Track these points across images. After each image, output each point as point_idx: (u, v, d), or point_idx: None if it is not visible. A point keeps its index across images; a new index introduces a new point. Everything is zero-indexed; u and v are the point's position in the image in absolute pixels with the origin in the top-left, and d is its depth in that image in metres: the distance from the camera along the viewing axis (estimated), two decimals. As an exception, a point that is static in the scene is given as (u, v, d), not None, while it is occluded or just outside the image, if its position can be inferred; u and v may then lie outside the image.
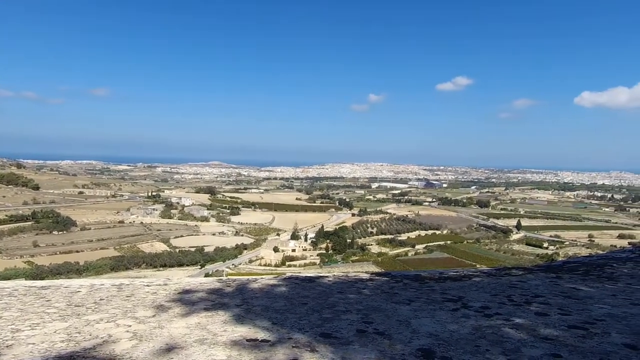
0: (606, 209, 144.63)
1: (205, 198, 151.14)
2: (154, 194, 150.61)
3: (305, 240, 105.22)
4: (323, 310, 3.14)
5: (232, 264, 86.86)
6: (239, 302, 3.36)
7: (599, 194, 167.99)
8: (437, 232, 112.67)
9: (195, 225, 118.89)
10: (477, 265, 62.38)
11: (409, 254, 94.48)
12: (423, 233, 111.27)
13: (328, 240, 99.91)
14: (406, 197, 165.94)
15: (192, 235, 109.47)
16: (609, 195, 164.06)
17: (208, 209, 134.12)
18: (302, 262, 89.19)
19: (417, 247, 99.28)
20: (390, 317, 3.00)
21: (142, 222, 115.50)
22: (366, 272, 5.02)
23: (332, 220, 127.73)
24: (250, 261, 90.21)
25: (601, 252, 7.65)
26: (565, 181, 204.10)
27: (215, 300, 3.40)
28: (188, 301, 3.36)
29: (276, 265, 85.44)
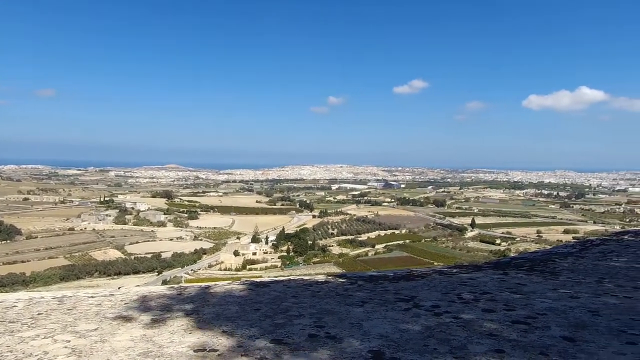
0: (552, 206, 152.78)
1: (161, 202, 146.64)
2: (106, 199, 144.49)
3: (266, 243, 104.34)
4: (276, 315, 3.10)
5: (191, 270, 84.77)
6: (190, 310, 3.26)
7: (546, 192, 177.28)
8: (396, 231, 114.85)
9: (152, 230, 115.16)
10: (435, 263, 64.18)
11: (370, 254, 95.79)
12: (383, 233, 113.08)
13: (289, 243, 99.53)
14: (366, 198, 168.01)
15: (148, 241, 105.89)
16: (555, 193, 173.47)
17: (165, 214, 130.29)
18: (264, 265, 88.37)
19: (377, 246, 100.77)
20: (343, 319, 3.00)
21: (94, 229, 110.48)
22: (322, 275, 5.01)
23: (293, 222, 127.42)
24: (210, 266, 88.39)
25: (548, 247, 8.06)
26: (515, 180, 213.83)
27: (164, 310, 3.28)
28: (135, 312, 3.23)
29: (237, 269, 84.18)
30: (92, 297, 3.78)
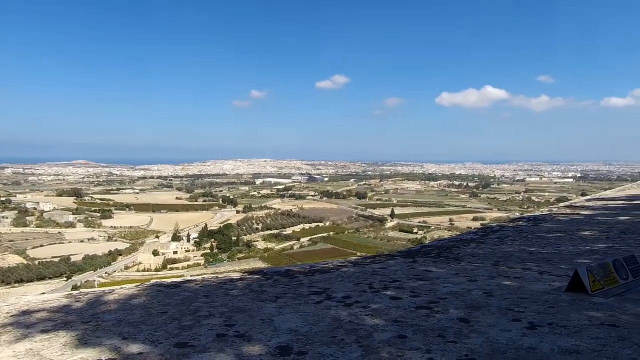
0: (462, 196, 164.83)
1: (70, 201, 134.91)
2: (2, 199, 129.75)
3: (188, 240, 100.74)
4: (184, 317, 2.97)
5: (106, 272, 79.48)
6: (88, 318, 3.01)
7: (457, 183, 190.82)
8: (321, 224, 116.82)
9: (59, 232, 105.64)
10: (358, 253, 66.37)
11: (295, 248, 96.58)
12: (307, 226, 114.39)
13: (212, 239, 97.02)
14: (290, 192, 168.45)
15: (55, 243, 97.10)
16: (465, 184, 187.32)
17: (74, 214, 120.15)
18: (186, 263, 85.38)
19: (302, 240, 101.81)
20: (254, 316, 2.96)
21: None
22: (238, 271, 4.93)
23: (216, 219, 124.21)
24: (127, 267, 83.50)
25: (458, 234, 8.66)
26: (430, 172, 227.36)
27: (57, 320, 2.99)
28: (22, 324, 2.91)
29: (156, 270, 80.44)
30: (-29, 311, 3.35)
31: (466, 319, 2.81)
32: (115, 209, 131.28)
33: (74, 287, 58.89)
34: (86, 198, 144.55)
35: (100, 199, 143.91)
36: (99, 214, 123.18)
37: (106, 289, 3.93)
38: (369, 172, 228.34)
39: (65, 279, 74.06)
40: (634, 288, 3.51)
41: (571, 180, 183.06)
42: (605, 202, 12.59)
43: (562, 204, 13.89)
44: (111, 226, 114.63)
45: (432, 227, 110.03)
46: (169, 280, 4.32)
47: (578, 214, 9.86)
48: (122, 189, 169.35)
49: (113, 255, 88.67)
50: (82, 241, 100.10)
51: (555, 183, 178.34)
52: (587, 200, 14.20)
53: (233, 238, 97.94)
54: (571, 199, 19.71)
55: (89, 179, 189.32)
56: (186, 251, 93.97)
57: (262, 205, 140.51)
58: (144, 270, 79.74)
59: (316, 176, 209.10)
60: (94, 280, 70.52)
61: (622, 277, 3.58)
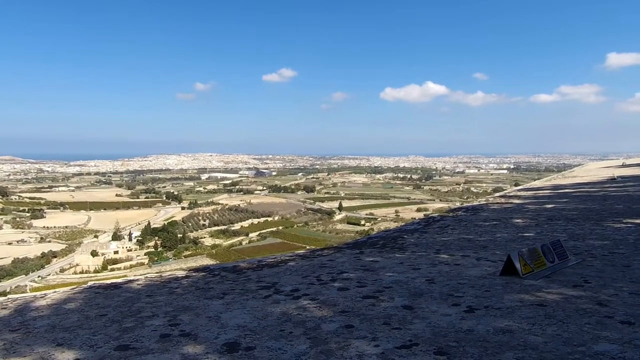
0: (407, 188, 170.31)
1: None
2: None
3: (130, 239, 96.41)
4: (125, 319, 2.85)
5: (39, 276, 74.27)
6: (16, 326, 2.81)
7: (402, 175, 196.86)
8: (269, 219, 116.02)
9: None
10: (307, 247, 66.67)
11: (243, 243, 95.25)
12: (256, 221, 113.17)
13: (157, 238, 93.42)
14: (237, 187, 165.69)
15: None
16: (409, 176, 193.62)
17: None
18: (128, 263, 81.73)
19: (250, 235, 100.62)
20: (200, 314, 2.89)
21: None
22: (184, 269, 4.80)
23: (159, 216, 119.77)
24: (62, 270, 78.53)
25: (402, 224, 8.93)
26: (376, 165, 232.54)
27: (-19, 329, 2.77)
28: (-60, 336, 2.66)
29: (96, 271, 76.33)
30: None
31: (410, 306, 2.92)
32: (48, 208, 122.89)
33: (1, 294, 54.58)
34: (13, 197, 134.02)
35: (30, 198, 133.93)
36: (29, 214, 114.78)
37: (38, 293, 3.69)
38: (317, 166, 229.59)
39: (-8, 285, 68.44)
40: (559, 270, 3.81)
41: (506, 171, 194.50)
42: (534, 192, 13.51)
43: (497, 194, 14.74)
44: (44, 227, 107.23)
45: (379, 219, 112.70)
46: (108, 282, 4.12)
47: (511, 203, 10.50)
48: (55, 186, 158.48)
49: (47, 258, 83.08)
50: (10, 244, 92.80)
51: (491, 174, 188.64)
52: (519, 190, 15.17)
53: (179, 235, 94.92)
54: (505, 189, 20.95)
55: (16, 177, 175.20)
56: (128, 251, 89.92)
57: (209, 200, 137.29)
58: (82, 273, 75.34)
59: (264, 170, 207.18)
60: (26, 285, 65.82)
61: (549, 260, 3.87)
